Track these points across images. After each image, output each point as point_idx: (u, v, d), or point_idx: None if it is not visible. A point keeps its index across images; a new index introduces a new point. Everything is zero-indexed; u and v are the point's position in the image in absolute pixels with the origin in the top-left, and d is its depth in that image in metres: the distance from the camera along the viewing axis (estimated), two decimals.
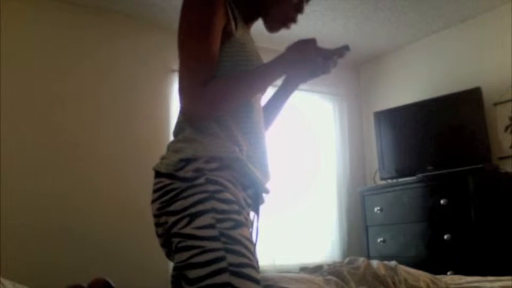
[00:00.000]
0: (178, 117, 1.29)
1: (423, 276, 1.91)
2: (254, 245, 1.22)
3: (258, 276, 1.11)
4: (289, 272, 2.14)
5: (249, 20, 1.40)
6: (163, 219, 1.18)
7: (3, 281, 1.60)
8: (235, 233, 1.10)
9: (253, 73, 1.25)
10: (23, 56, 3.03)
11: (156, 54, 3.47)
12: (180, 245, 1.11)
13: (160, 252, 1.27)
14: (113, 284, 1.87)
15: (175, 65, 3.45)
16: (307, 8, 1.40)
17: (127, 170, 3.20)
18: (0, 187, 2.79)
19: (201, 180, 1.14)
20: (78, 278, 2.08)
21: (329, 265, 1.93)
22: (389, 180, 3.65)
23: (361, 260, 1.91)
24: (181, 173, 1.16)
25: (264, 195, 1.34)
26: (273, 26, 1.41)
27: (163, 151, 1.28)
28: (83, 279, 2.01)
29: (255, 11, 1.40)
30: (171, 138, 3.77)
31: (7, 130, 2.89)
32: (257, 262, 1.15)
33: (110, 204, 3.11)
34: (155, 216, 1.21)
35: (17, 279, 1.79)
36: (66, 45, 3.18)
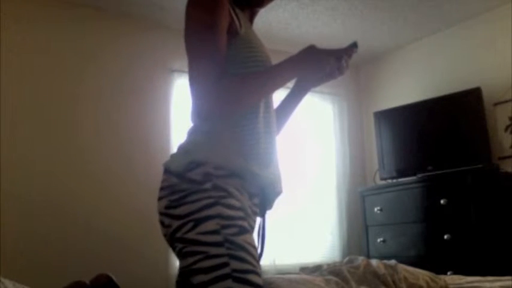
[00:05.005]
0: (193, 119, 1.28)
1: (423, 274, 1.91)
2: (258, 251, 1.22)
3: (261, 282, 1.11)
4: (289, 272, 2.13)
5: (248, 13, 1.41)
6: (167, 221, 1.18)
7: (3, 280, 1.60)
8: (239, 239, 1.11)
9: (264, 74, 1.24)
10: (23, 56, 3.03)
11: (156, 54, 3.47)
12: (184, 250, 1.12)
13: (161, 251, 1.27)
14: (115, 280, 1.87)
15: (175, 65, 3.45)
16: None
17: (127, 169, 3.19)
18: (0, 187, 2.79)
19: (208, 185, 1.15)
20: (78, 278, 2.07)
21: (329, 265, 1.93)
22: (390, 180, 3.65)
23: (361, 259, 1.90)
24: (190, 175, 1.16)
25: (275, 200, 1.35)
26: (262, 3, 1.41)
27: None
28: (83, 279, 2.00)
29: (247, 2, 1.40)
30: (171, 138, 3.74)
31: (7, 130, 2.89)
32: (260, 268, 1.15)
33: (110, 203, 3.11)
34: (161, 214, 1.21)
35: (17, 279, 1.79)
36: (66, 45, 3.18)
